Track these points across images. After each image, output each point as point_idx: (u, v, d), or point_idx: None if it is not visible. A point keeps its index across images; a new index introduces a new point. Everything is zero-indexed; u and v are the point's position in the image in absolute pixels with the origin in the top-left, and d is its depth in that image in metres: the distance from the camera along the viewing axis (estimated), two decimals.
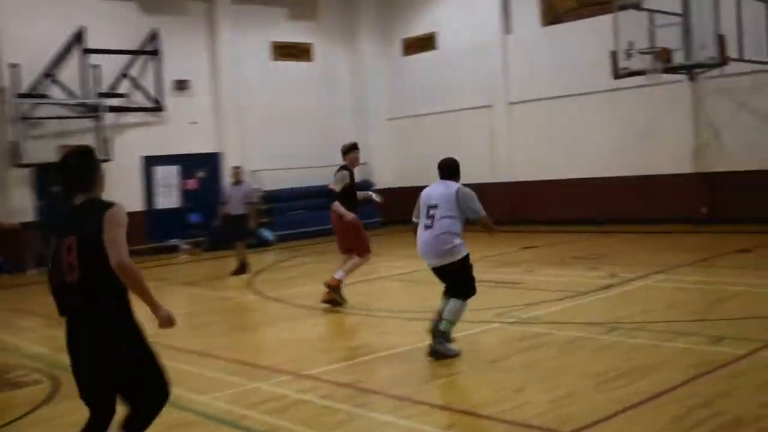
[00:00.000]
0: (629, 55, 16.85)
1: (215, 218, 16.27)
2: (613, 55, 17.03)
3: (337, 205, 10.91)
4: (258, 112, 22.92)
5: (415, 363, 7.72)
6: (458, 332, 8.95)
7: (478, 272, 12.17)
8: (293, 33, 24.09)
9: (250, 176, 20.93)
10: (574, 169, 20.64)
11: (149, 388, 4.53)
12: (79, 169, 4.53)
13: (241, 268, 15.30)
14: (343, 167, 11.12)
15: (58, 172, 4.60)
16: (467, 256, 7.82)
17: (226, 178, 19.24)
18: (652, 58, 16.70)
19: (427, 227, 7.79)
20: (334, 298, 10.75)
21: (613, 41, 16.98)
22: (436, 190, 7.88)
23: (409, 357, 7.94)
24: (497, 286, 11.58)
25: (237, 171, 15.88)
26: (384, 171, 24.89)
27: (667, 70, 16.93)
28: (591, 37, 19.93)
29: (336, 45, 24.97)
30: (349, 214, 10.90)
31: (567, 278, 12.09)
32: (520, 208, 21.49)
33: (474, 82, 22.71)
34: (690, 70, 17.69)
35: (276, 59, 23.60)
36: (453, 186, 7.84)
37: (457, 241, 7.73)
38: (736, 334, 7.83)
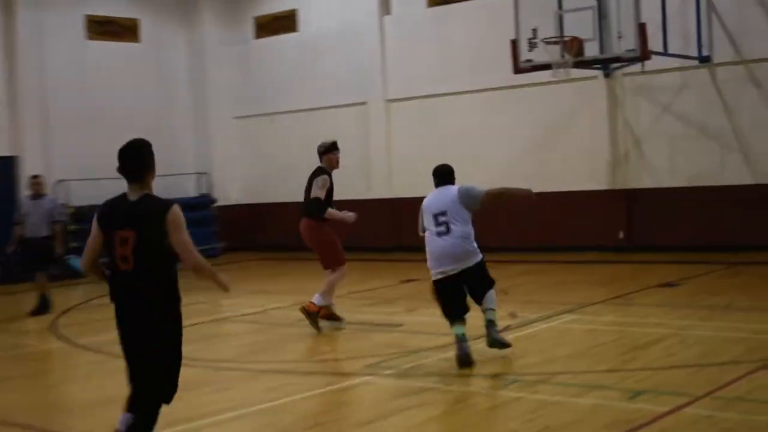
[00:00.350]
0: (533, 45, 17.10)
1: (8, 242, 15.81)
2: (514, 44, 17.24)
3: (333, 212, 11.75)
4: (66, 107, 22.41)
5: (262, 426, 7.65)
6: (322, 387, 8.93)
7: (345, 312, 12.27)
8: (114, 5, 23.70)
9: (55, 188, 20.58)
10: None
11: (158, 380, 5.94)
12: (135, 160, 5.98)
13: (42, 307, 14.96)
14: (321, 170, 11.87)
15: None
16: (483, 258, 9.60)
17: (23, 191, 18.68)
18: (561, 48, 16.93)
19: (441, 234, 9.49)
20: (316, 322, 11.73)
21: (513, 28, 17.22)
22: (440, 198, 9.68)
23: (257, 418, 7.85)
24: (371, 329, 11.61)
25: (37, 181, 15.54)
26: (228, 183, 24.76)
27: (579, 64, 17.23)
28: (487, 22, 20.25)
29: (169, 21, 24.72)
30: (348, 214, 11.82)
31: None
32: (400, 231, 21.47)
33: (344, 73, 22.79)
34: (606, 64, 18.22)
35: (91, 38, 23.21)
36: (453, 189, 9.73)
37: (475, 245, 9.56)
38: (658, 387, 8.00)
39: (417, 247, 20.16)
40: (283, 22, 24.16)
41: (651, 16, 17.01)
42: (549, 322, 11.65)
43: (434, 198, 9.76)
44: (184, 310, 5.91)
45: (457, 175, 19.82)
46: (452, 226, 9.47)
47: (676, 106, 18.66)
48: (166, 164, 23.79)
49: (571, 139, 19.70)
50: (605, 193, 19.35)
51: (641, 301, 13.17)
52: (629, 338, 10.55)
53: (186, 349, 10.71)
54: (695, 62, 18.13)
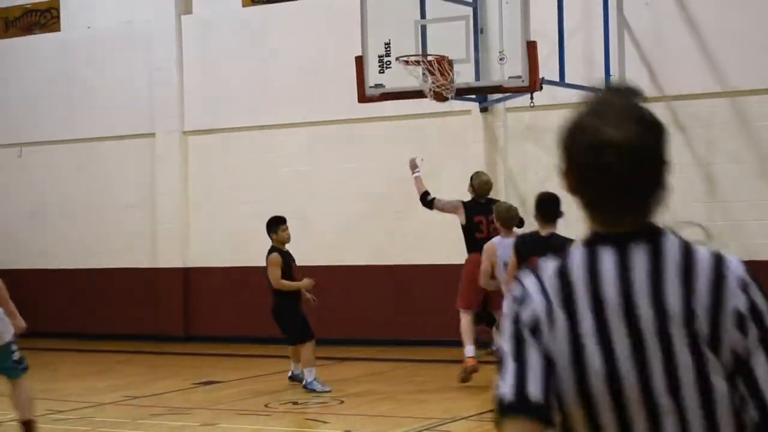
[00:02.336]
0: (385, 65, 17.03)
1: None
2: (359, 63, 17.07)
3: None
4: None
5: None
6: None
7: (119, 425, 12.68)
8: None
9: None
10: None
11: None
12: (551, 207, 11.06)
13: None
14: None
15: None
16: None
17: None
18: (423, 71, 16.75)
19: None
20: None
21: (360, 42, 17.07)
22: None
23: None
24: None
25: None
26: None
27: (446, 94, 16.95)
28: (325, 29, 20.45)
29: None
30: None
31: None
32: (195, 316, 21.78)
33: (124, 92, 22.47)
34: (482, 95, 18.33)
35: None
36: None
37: None
38: None
39: (214, 337, 20.29)
40: (37, 18, 23.77)
41: (544, 32, 16.93)
42: None
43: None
44: None
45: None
46: None
47: None
48: None
49: (435, 193, 18.99)
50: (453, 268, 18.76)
51: None
52: None
53: None
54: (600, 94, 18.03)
